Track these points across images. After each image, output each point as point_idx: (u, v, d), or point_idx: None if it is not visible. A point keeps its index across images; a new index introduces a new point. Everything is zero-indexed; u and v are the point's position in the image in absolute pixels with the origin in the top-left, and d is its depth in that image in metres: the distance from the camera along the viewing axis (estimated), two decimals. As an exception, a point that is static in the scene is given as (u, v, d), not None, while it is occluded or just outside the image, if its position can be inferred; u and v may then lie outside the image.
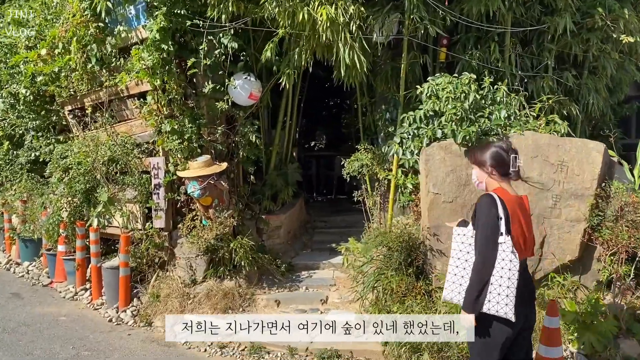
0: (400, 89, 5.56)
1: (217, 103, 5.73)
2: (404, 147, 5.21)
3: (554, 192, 4.49)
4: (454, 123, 4.55)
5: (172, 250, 6.02)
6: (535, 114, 5.10)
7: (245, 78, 5.80)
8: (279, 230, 6.79)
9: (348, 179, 6.04)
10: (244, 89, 5.76)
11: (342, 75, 5.18)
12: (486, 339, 2.69)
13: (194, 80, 6.01)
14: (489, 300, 2.61)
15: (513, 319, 2.59)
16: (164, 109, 5.75)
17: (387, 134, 5.87)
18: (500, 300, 2.59)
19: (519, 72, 5.71)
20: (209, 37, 5.62)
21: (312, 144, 13.05)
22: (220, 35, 5.59)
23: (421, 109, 4.93)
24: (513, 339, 2.72)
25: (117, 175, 6.16)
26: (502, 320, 2.63)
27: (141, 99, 6.00)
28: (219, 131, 5.89)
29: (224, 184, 5.73)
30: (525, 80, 5.75)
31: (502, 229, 2.61)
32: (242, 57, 6.02)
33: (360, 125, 6.68)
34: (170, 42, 5.47)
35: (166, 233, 6.00)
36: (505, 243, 2.61)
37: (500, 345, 2.68)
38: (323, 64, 5.61)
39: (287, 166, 6.97)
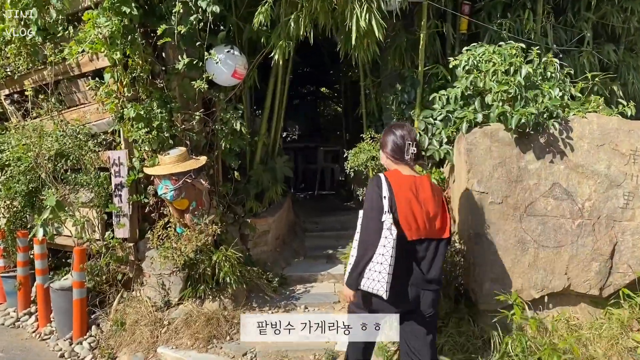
0: (420, 64, 4.59)
1: (192, 82, 4.60)
2: (429, 134, 4.24)
3: (626, 188, 3.62)
4: (504, 103, 3.61)
5: (140, 266, 4.87)
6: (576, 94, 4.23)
7: (228, 52, 4.70)
8: (267, 236, 5.73)
9: (330, 175, 5.09)
10: (226, 65, 4.66)
11: (354, 44, 4.15)
12: (367, 315, 2.87)
13: (164, 54, 4.86)
14: (367, 278, 2.68)
15: (384, 296, 2.65)
16: (127, 89, 4.59)
17: (401, 120, 4.89)
18: (373, 277, 2.66)
19: (554, 45, 4.83)
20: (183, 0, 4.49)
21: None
22: (197, -4, 4.47)
23: (456, 86, 3.96)
24: (402, 322, 2.87)
25: (68, 173, 4.96)
26: (379, 296, 2.68)
27: (97, 78, 4.82)
28: (195, 117, 4.77)
29: (203, 182, 4.63)
30: (560, 55, 4.87)
31: (385, 207, 2.68)
32: (222, 27, 4.92)
33: (362, 111, 5.64)
34: (134, 5, 4.31)
35: (131, 244, 4.85)
36: (385, 221, 2.66)
37: (380, 321, 2.89)
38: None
39: (275, 159, 5.90)
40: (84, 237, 4.89)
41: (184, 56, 4.56)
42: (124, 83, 4.57)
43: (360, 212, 2.88)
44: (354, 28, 3.98)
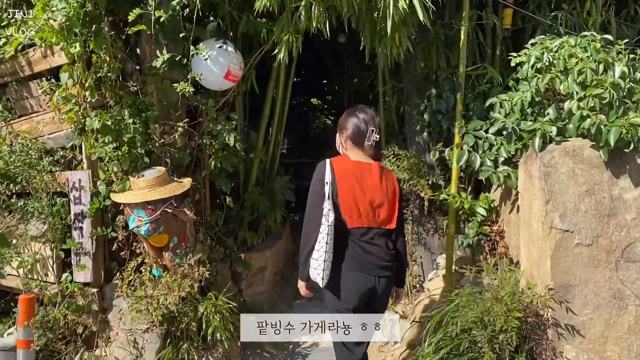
0: (460, 64, 3.67)
1: (175, 85, 3.62)
2: (480, 151, 3.32)
3: None
4: (593, 112, 2.70)
5: (105, 318, 3.83)
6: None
7: (220, 47, 3.73)
8: (263, 273, 4.74)
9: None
10: (217, 64, 3.69)
11: (384, 36, 3.24)
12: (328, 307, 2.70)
13: (138, 50, 3.88)
14: (311, 267, 2.58)
15: (322, 284, 2.56)
16: (89, 94, 3.58)
17: (434, 132, 3.97)
18: (314, 265, 2.56)
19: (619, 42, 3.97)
20: (162, -20, 3.53)
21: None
22: (181, -23, 3.51)
23: (520, 90, 3.04)
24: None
25: (14, 199, 3.92)
26: (328, 287, 2.61)
27: (52, 80, 3.81)
28: (178, 129, 3.78)
29: (187, 212, 3.63)
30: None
31: (327, 193, 2.57)
32: (213, 18, 3.96)
33: (382, 122, 4.71)
34: (98, -15, 3.35)
35: (95, 290, 3.80)
36: (324, 208, 2.55)
37: (339, 312, 2.65)
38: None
39: (273, 180, 4.93)
40: (35, 280, 3.85)
41: (164, 52, 3.58)
42: (86, 85, 3.57)
43: None
44: (389, 12, 3.05)
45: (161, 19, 3.44)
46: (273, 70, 4.53)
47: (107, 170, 3.68)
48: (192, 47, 3.54)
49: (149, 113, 3.73)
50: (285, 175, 5.26)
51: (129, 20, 3.34)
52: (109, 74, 3.59)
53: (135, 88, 3.76)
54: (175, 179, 3.79)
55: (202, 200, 4.16)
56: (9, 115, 4.38)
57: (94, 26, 3.46)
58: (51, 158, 4.02)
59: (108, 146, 3.56)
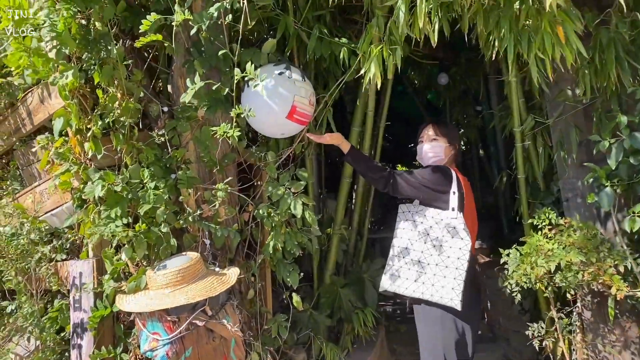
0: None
1: (214, 130, 2.42)
2: None
3: None
4: None
5: None
6: None
7: (281, 74, 2.53)
8: (351, 404, 3.23)
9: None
10: (277, 97, 2.47)
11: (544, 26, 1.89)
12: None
13: (169, 86, 2.76)
14: (433, 285, 2.51)
15: (458, 306, 2.44)
16: (92, 146, 2.44)
17: (623, 186, 2.44)
18: (451, 285, 2.47)
19: None
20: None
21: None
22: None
23: None
24: None
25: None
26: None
27: (49, 134, 2.75)
28: (221, 196, 2.53)
29: (230, 325, 2.29)
30: None
31: (455, 204, 2.51)
32: (267, 37, 2.81)
33: (521, 176, 3.14)
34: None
35: None
36: (458, 219, 2.49)
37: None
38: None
39: (360, 266, 3.52)
40: None
41: (196, 79, 2.42)
42: (88, 135, 2.44)
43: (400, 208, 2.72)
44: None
45: (197, 31, 2.30)
46: (359, 104, 3.25)
47: (112, 258, 2.45)
48: (236, 71, 2.34)
49: (180, 173, 2.52)
50: (376, 256, 3.83)
51: (141, 30, 2.20)
52: (121, 119, 2.46)
53: (163, 138, 2.60)
54: (216, 269, 2.50)
55: (257, 300, 2.82)
56: (17, 188, 3.38)
57: (100, 49, 2.38)
58: (57, 243, 2.91)
59: (114, 223, 2.35)
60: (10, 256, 2.81)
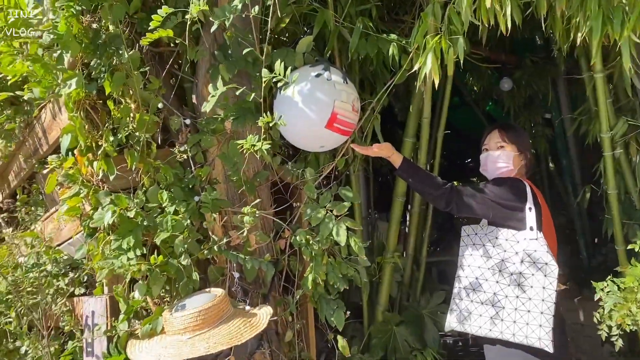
0: None
1: (242, 143, 2.05)
2: None
3: None
4: None
5: None
6: None
7: (318, 76, 2.14)
8: None
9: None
10: (314, 103, 2.08)
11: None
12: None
13: (194, 97, 2.41)
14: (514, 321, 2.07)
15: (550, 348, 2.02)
16: (102, 165, 2.12)
17: None
18: (539, 321, 2.04)
19: None
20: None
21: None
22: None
23: None
24: None
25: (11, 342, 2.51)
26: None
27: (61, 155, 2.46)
28: (250, 222, 2.14)
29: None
30: None
31: (533, 222, 2.09)
32: (302, 35, 2.42)
33: (611, 187, 2.55)
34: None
35: None
36: (539, 240, 2.08)
37: None
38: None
39: (417, 298, 3.04)
40: None
41: (219, 84, 2.06)
42: (99, 153, 2.12)
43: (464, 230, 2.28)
44: None
45: (224, 33, 1.95)
46: (412, 110, 2.80)
47: (123, 295, 2.10)
48: (264, 72, 1.96)
49: (204, 195, 2.16)
50: (437, 287, 3.34)
51: (151, 27, 1.86)
52: (136, 134, 2.13)
53: (185, 155, 2.25)
54: (246, 307, 2.11)
55: (297, 343, 2.39)
56: (40, 214, 3.14)
57: (111, 54, 2.06)
58: (74, 275, 2.61)
59: (127, 255, 2.00)
60: (21, 291, 2.53)
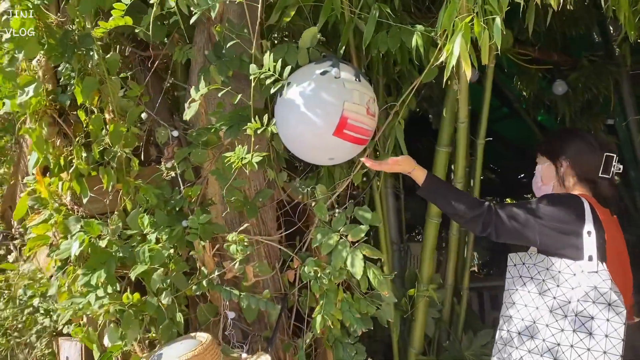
0: None
1: (227, 156, 1.69)
2: None
3: None
4: None
5: None
6: None
7: (324, 73, 1.76)
8: None
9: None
10: (319, 106, 1.71)
11: None
12: None
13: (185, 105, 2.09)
14: None
15: None
16: (71, 186, 1.82)
17: None
18: None
19: None
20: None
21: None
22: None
23: None
24: None
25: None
26: None
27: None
28: (231, 251, 1.76)
29: None
30: None
31: (593, 250, 1.63)
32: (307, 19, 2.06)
33: None
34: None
35: None
36: (601, 272, 1.62)
37: None
38: None
39: (459, 338, 2.56)
40: None
41: (201, 85, 1.72)
42: (71, 171, 1.81)
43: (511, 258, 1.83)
44: None
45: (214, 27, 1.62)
46: (443, 123, 2.37)
47: (94, 339, 1.76)
48: (252, 67, 1.60)
49: (191, 219, 1.80)
50: (479, 323, 2.84)
51: (112, 18, 1.54)
52: (112, 149, 1.81)
53: (173, 173, 1.91)
54: (242, 355, 1.73)
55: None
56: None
57: (81, 56, 1.76)
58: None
59: (94, 293, 1.67)
60: (7, 329, 2.25)
